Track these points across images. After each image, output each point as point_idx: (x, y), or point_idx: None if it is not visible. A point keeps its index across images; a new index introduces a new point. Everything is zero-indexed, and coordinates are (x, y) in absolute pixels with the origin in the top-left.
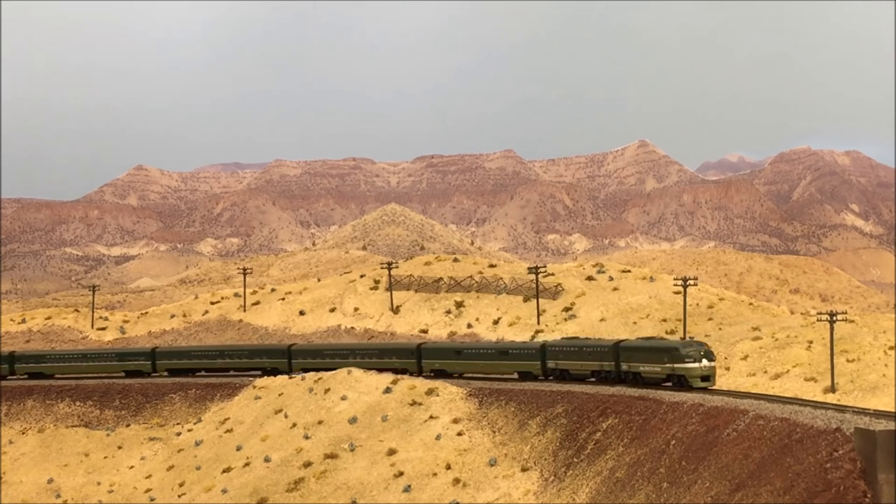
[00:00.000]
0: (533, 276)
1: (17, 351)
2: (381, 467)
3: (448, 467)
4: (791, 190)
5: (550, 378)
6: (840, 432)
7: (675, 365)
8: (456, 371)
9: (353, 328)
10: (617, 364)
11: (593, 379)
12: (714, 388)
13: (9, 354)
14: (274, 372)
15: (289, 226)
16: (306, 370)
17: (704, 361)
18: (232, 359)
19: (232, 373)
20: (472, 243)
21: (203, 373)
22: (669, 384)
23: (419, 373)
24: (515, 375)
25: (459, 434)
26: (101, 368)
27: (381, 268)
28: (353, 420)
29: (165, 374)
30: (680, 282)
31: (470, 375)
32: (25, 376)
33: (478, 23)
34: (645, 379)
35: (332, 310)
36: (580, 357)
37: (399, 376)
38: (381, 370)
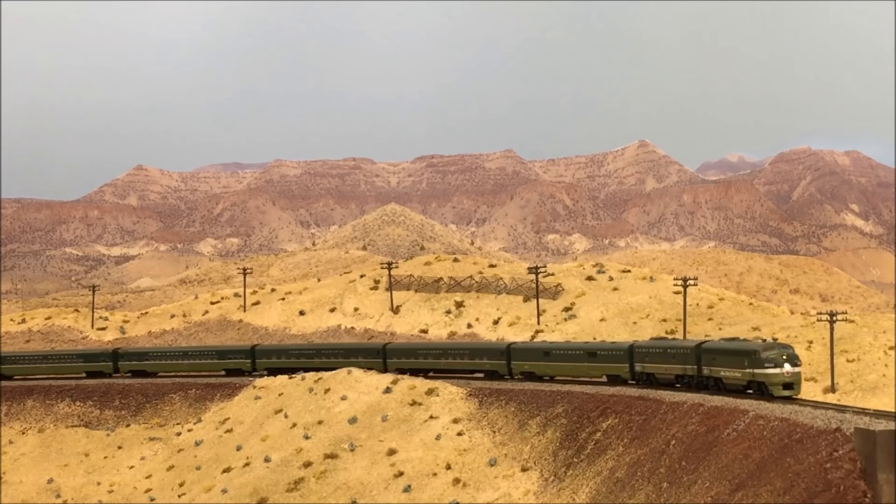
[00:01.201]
0: (533, 276)
1: (120, 348)
2: (381, 467)
3: (448, 467)
4: (791, 190)
5: (638, 383)
6: (840, 432)
7: (755, 370)
8: (546, 374)
9: (353, 328)
10: (699, 368)
11: (678, 385)
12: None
13: (113, 352)
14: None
15: (289, 226)
16: (402, 370)
17: (787, 367)
18: (328, 358)
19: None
20: (472, 243)
21: (301, 372)
22: (751, 392)
23: (509, 375)
24: (604, 379)
25: (459, 434)
26: (202, 367)
27: (381, 268)
28: (353, 420)
29: (265, 372)
30: (680, 282)
31: (561, 379)
32: (129, 374)
33: (478, 23)
34: (726, 386)
35: (332, 310)
36: (665, 360)
37: (398, 376)
38: (471, 372)
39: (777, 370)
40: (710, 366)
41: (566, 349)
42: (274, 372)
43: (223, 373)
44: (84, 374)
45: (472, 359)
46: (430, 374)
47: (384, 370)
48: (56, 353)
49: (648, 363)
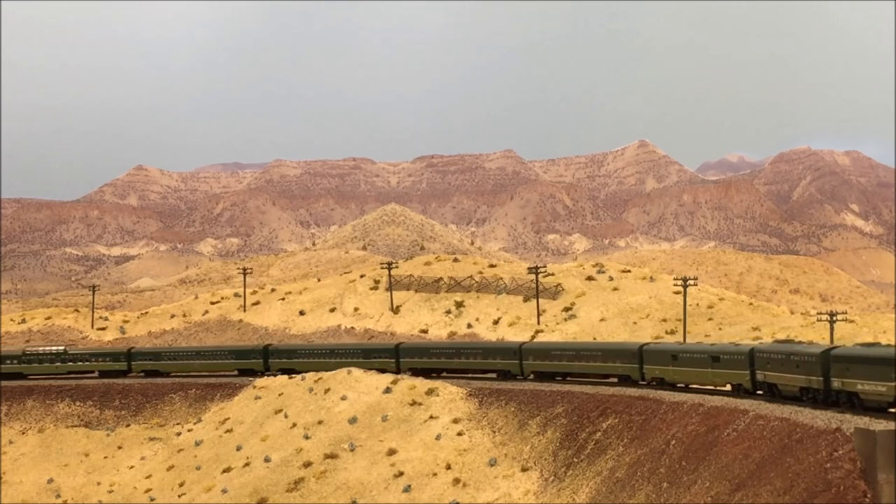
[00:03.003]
0: (533, 276)
1: (271, 345)
2: (381, 467)
3: (448, 467)
4: (791, 190)
5: (759, 394)
6: (840, 432)
7: None
8: (675, 381)
9: (353, 328)
10: (826, 379)
11: (804, 399)
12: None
13: (263, 349)
14: (506, 375)
15: (289, 226)
16: (540, 373)
17: None
18: (467, 358)
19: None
20: (472, 243)
21: (445, 374)
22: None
23: (642, 379)
24: (728, 388)
25: (459, 434)
26: (348, 365)
27: (381, 268)
28: (353, 420)
29: (408, 373)
30: (680, 282)
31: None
32: (278, 372)
33: (478, 23)
34: (864, 403)
35: (332, 310)
36: (787, 368)
37: (399, 376)
38: (605, 376)
39: None
40: (842, 377)
41: (692, 352)
42: (418, 373)
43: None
44: (236, 372)
45: (605, 361)
46: (568, 378)
47: (521, 373)
48: (209, 349)
49: (770, 371)
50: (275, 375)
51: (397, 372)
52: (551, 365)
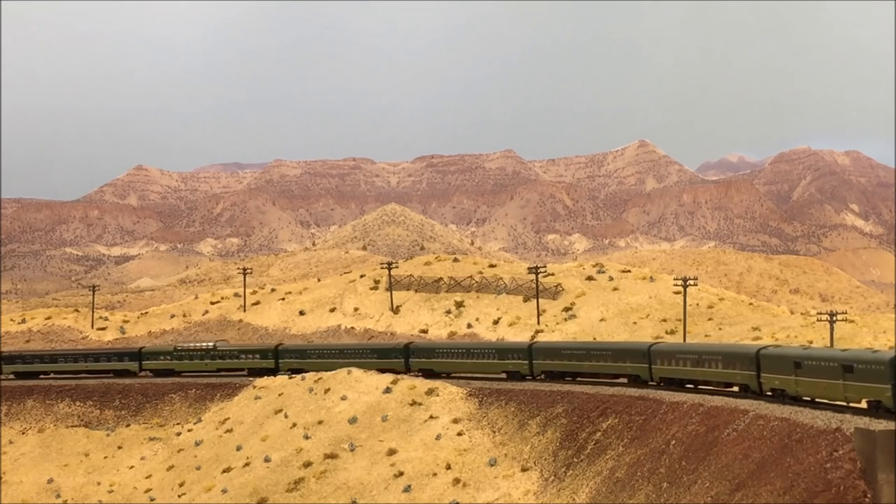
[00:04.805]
0: (533, 276)
1: (412, 343)
2: (381, 467)
3: (448, 467)
4: (791, 190)
5: None
6: (840, 432)
7: None
8: (797, 393)
9: (353, 328)
10: None
11: None
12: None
13: (404, 347)
14: (636, 379)
15: (289, 226)
16: (668, 379)
17: None
18: (597, 361)
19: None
20: (472, 243)
21: (577, 378)
22: None
23: (759, 391)
24: (864, 405)
25: (459, 434)
26: (482, 367)
27: (381, 268)
28: (353, 420)
29: (541, 377)
30: (680, 282)
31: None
32: (419, 373)
33: (478, 23)
34: None
35: (332, 310)
36: None
37: (399, 376)
38: (727, 385)
39: None
40: None
41: (819, 359)
42: (551, 376)
43: (503, 375)
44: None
45: (727, 368)
46: (696, 386)
47: (650, 377)
48: (352, 347)
49: None
50: (415, 376)
51: (531, 375)
52: (678, 370)
